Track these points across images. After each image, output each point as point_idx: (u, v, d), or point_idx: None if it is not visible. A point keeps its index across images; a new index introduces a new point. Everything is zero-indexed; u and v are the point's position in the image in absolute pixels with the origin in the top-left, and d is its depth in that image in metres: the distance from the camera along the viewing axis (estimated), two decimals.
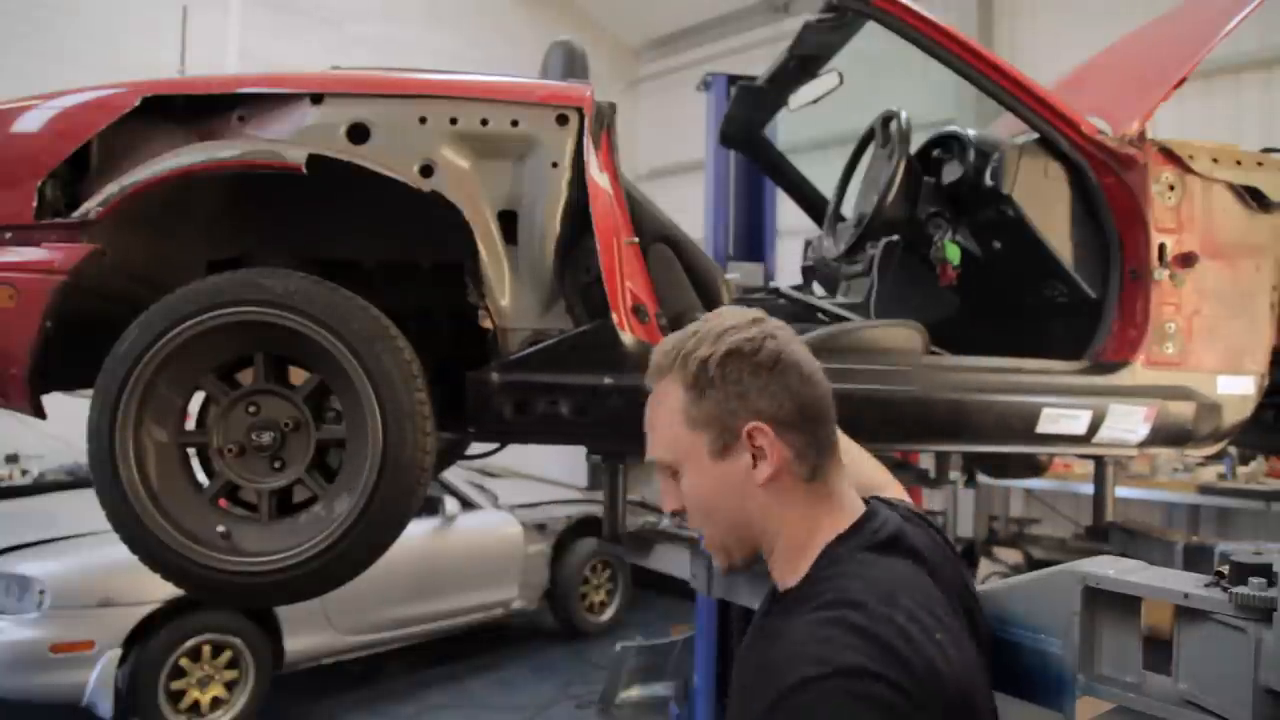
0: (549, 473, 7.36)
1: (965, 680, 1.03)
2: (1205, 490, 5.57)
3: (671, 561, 2.95)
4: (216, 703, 4.67)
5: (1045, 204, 2.31)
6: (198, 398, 1.83)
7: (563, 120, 1.86)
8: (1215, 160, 2.33)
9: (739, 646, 1.25)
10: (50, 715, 4.45)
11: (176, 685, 4.54)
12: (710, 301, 2.11)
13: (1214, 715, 1.28)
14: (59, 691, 4.26)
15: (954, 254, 2.38)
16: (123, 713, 4.35)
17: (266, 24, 7.54)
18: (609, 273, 1.86)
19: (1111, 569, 1.42)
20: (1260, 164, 2.39)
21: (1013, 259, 2.43)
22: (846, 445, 1.32)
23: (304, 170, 1.72)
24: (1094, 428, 2.23)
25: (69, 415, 2.13)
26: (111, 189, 1.73)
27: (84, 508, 2.88)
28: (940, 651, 0.99)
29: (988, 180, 2.34)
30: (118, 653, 4.32)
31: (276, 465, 1.79)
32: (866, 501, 1.21)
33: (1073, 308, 2.39)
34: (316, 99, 1.80)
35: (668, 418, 1.17)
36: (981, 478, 3.98)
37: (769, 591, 1.24)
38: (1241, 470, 5.60)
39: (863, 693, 0.90)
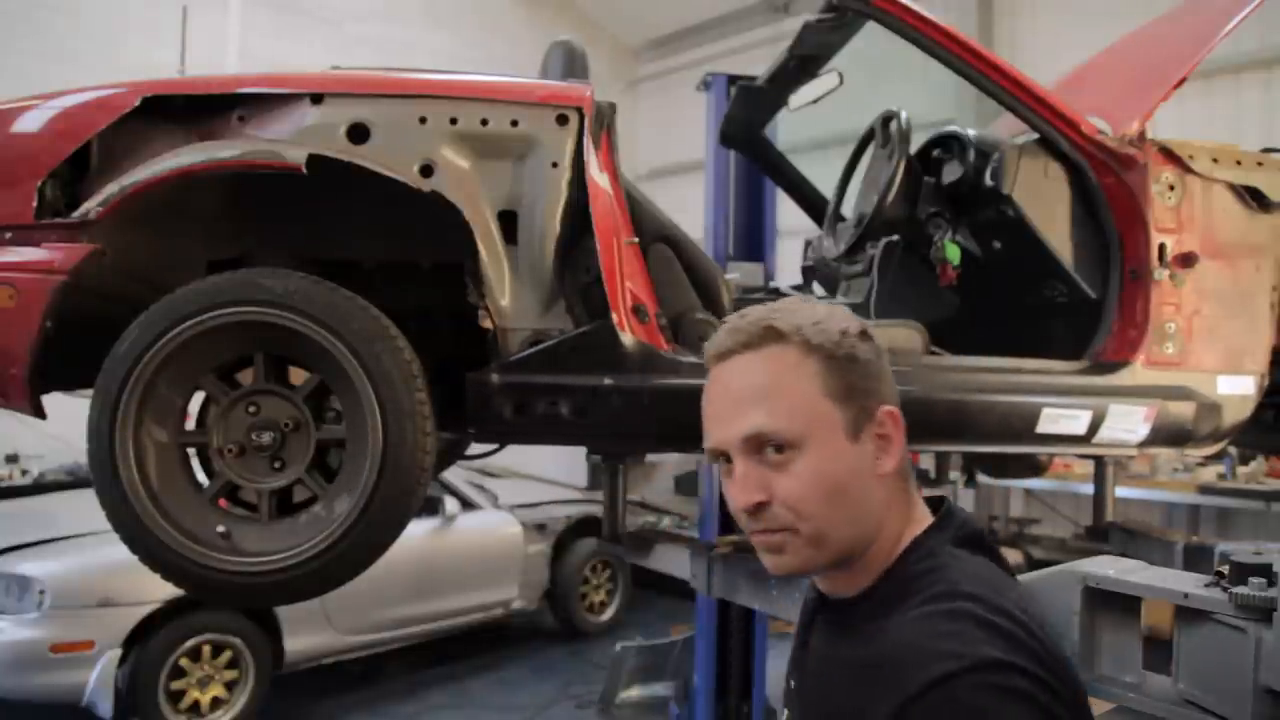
0: (549, 473, 7.36)
1: (1073, 668, 1.00)
2: (1205, 490, 5.58)
3: (671, 561, 2.95)
4: (216, 703, 4.66)
5: (1045, 204, 2.31)
6: (198, 398, 1.83)
7: (563, 120, 1.86)
8: (1215, 160, 2.33)
9: (794, 650, 1.16)
10: (50, 715, 4.45)
11: (176, 685, 4.54)
12: (710, 301, 2.11)
13: (1214, 715, 1.28)
14: (59, 691, 4.26)
15: (954, 254, 2.38)
16: (123, 713, 4.35)
17: (266, 24, 7.54)
18: (609, 273, 1.86)
19: (1111, 569, 1.42)
20: (1260, 164, 2.40)
21: (1013, 259, 2.43)
22: None
23: (304, 170, 1.72)
24: (1094, 428, 2.23)
25: (69, 415, 2.13)
26: (111, 189, 1.73)
27: (84, 508, 2.87)
28: (1051, 641, 0.97)
29: (988, 180, 2.34)
30: (118, 653, 4.32)
31: (276, 465, 1.79)
32: (939, 500, 1.15)
33: (1073, 308, 2.39)
34: (316, 99, 1.80)
35: (796, 384, 1.01)
36: (981, 478, 3.98)
37: (814, 596, 1.16)
38: (1241, 470, 5.60)
39: (1006, 685, 0.87)
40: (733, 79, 3.84)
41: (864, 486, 1.03)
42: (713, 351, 1.08)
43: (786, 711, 1.16)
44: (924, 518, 1.08)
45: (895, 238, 2.64)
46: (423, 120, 1.81)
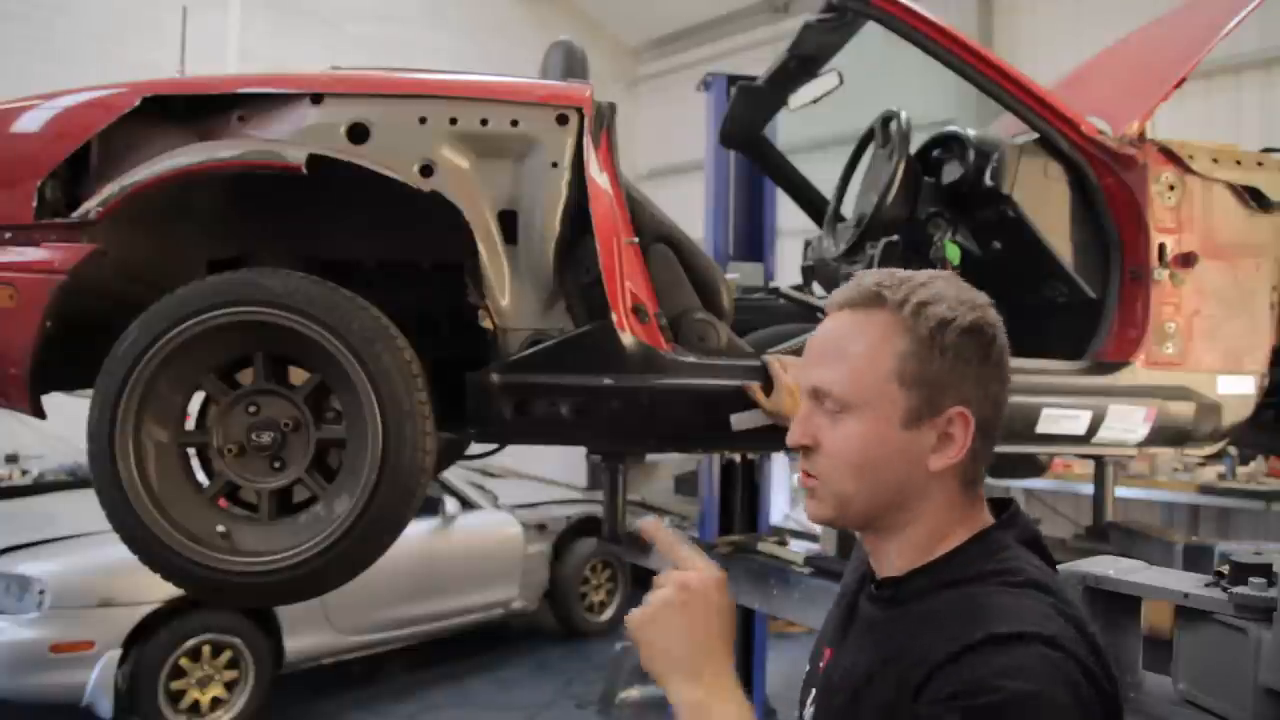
0: (549, 473, 7.35)
1: (1118, 689, 1.00)
2: (1205, 490, 5.56)
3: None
4: (216, 703, 4.66)
5: (1045, 204, 2.31)
6: (198, 398, 1.83)
7: (563, 120, 1.86)
8: (1215, 160, 2.33)
9: (836, 620, 1.16)
10: (50, 715, 4.45)
11: (176, 685, 4.54)
12: (710, 301, 2.11)
13: (1214, 715, 1.29)
14: (59, 691, 4.26)
15: (954, 254, 2.38)
16: (123, 713, 4.35)
17: (266, 24, 7.54)
18: (609, 273, 1.86)
19: (1111, 569, 1.42)
20: (1260, 164, 2.40)
21: (1013, 259, 2.43)
22: None
23: (304, 170, 1.72)
24: (1094, 428, 2.22)
25: (69, 415, 2.13)
26: (111, 189, 1.73)
27: (84, 508, 2.87)
28: (1105, 655, 0.97)
29: (988, 180, 2.34)
30: (118, 653, 4.31)
31: (276, 465, 1.79)
32: (1006, 501, 1.13)
33: (1073, 308, 2.39)
34: (316, 99, 1.80)
35: (872, 355, 1.02)
36: None
37: (863, 574, 1.15)
38: (1241, 470, 5.59)
39: (1062, 667, 0.88)
40: (733, 79, 3.84)
41: (903, 473, 1.03)
42: (829, 300, 1.11)
43: (814, 691, 1.14)
44: (988, 520, 1.07)
45: (895, 238, 2.64)
46: (423, 120, 1.81)
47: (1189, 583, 1.35)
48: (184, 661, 4.56)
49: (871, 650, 1.03)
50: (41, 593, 4.23)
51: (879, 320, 1.03)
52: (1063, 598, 0.97)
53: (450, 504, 5.83)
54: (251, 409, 1.78)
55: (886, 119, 2.67)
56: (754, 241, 4.19)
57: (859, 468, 1.03)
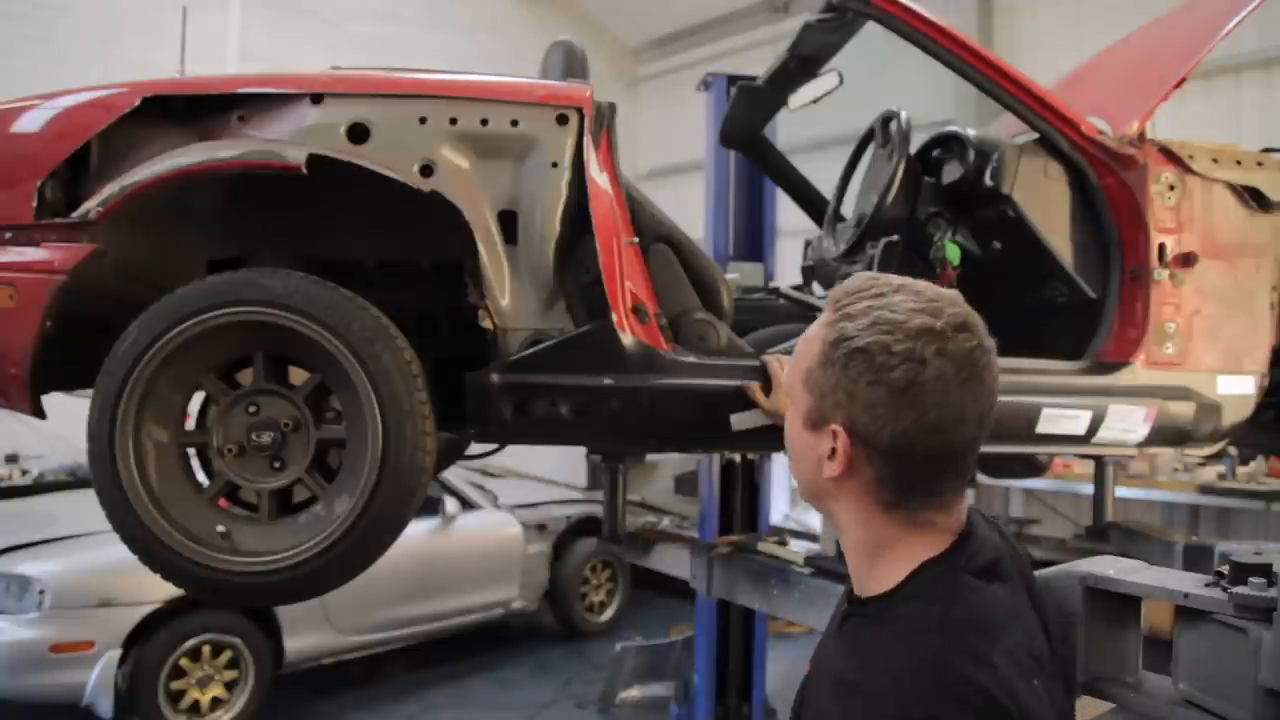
0: (549, 473, 7.36)
1: None
2: (1205, 490, 5.56)
3: (671, 561, 2.95)
4: (216, 703, 4.67)
5: (1045, 204, 2.31)
6: (198, 398, 1.83)
7: (563, 120, 1.86)
8: (1215, 160, 2.33)
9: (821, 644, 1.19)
10: (50, 715, 4.45)
11: (176, 685, 4.55)
12: (710, 301, 2.11)
13: (1214, 715, 1.28)
14: (59, 691, 4.26)
15: (954, 254, 2.38)
16: (123, 713, 4.35)
17: (266, 24, 7.54)
18: (609, 273, 1.86)
19: (1111, 569, 1.42)
20: (1260, 164, 2.39)
21: (1013, 259, 2.43)
22: None
23: (304, 170, 1.72)
24: (1094, 428, 2.22)
25: (69, 415, 2.13)
26: (111, 189, 1.73)
27: (84, 508, 2.88)
28: (1037, 700, 0.94)
29: (988, 180, 2.34)
30: (118, 653, 4.32)
31: (276, 465, 1.79)
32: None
33: (1073, 308, 2.39)
34: (316, 99, 1.80)
35: (800, 357, 1.11)
36: (981, 478, 3.98)
37: (847, 587, 1.17)
38: (1241, 470, 5.59)
39: None
40: (733, 79, 3.84)
41: (815, 472, 1.09)
42: None
43: None
44: (938, 541, 1.05)
45: (895, 238, 2.63)
46: (423, 120, 1.81)
47: (1189, 583, 1.34)
48: (184, 661, 4.57)
49: (811, 688, 1.12)
50: (41, 593, 4.23)
51: (822, 325, 1.09)
52: (976, 654, 0.94)
53: (450, 504, 5.83)
54: (251, 409, 1.78)
55: (886, 119, 2.67)
56: (754, 241, 4.19)
57: (791, 455, 1.15)
